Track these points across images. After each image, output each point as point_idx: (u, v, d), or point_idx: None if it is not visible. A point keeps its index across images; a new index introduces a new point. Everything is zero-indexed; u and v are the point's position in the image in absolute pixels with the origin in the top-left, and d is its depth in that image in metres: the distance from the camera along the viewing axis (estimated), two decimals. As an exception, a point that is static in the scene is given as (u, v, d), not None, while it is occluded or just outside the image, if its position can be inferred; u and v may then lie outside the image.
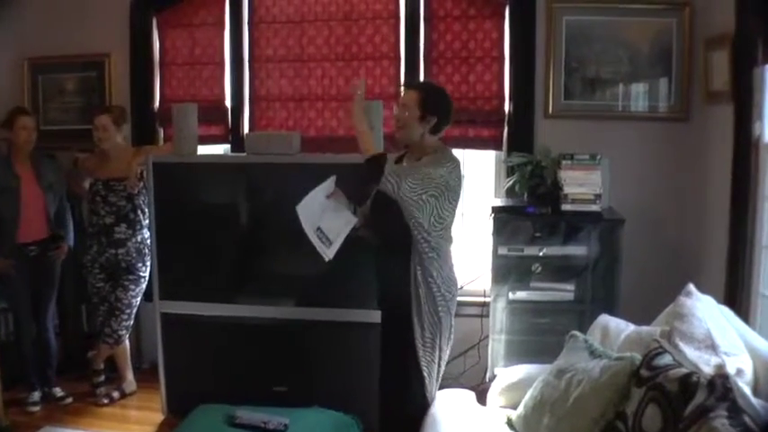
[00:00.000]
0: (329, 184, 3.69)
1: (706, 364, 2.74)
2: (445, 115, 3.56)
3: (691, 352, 2.82)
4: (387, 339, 3.68)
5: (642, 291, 4.40)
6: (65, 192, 5.03)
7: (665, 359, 2.69)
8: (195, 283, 4.74)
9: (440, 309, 3.51)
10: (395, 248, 3.50)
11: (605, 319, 3.50)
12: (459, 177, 3.53)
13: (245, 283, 4.73)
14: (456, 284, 3.64)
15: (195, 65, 5.49)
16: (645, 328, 3.21)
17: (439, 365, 3.62)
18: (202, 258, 4.73)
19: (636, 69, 4.88)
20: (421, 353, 3.51)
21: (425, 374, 3.53)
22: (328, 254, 3.64)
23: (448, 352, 3.68)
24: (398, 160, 3.67)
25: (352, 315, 4.44)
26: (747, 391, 2.42)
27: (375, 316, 3.81)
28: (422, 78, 5.09)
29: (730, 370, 2.63)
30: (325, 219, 3.64)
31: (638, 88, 4.90)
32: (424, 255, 3.46)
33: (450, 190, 3.46)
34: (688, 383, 2.48)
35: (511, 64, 5.02)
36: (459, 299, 3.69)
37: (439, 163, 3.48)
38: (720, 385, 2.38)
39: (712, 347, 2.83)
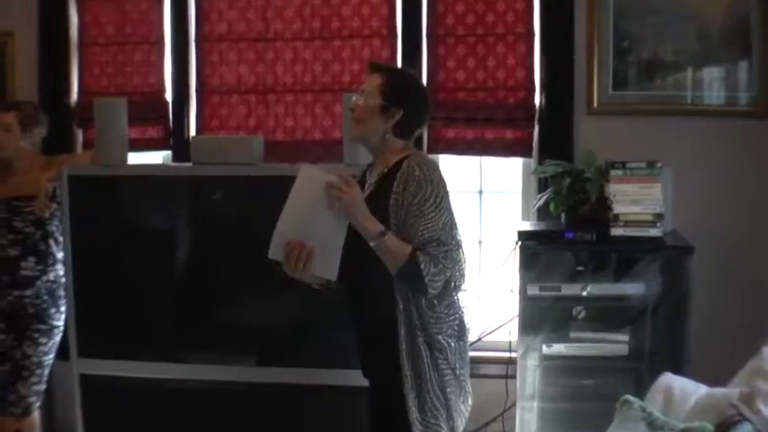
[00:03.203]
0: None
1: (797, 434, 2.79)
2: (415, 111, 3.44)
3: (778, 419, 2.87)
4: (374, 417, 3.65)
5: (717, 341, 4.46)
6: None
7: (745, 429, 2.73)
8: (124, 336, 4.76)
9: (449, 390, 3.46)
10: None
11: (669, 379, 3.54)
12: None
13: (190, 336, 4.75)
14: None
15: (125, 46, 5.52)
16: (720, 390, 3.25)
17: None
18: (134, 303, 4.75)
19: (707, 49, 4.92)
20: None
21: None
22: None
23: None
24: (362, 178, 3.54)
25: (333, 377, 4.44)
26: None
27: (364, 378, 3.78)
28: (425, 64, 5.14)
29: (829, 442, 2.68)
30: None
31: (710, 74, 4.95)
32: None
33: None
34: (773, 460, 2.53)
35: (542, 43, 5.07)
36: (475, 354, 3.66)
37: (418, 178, 3.29)
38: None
39: (806, 413, 2.88)
